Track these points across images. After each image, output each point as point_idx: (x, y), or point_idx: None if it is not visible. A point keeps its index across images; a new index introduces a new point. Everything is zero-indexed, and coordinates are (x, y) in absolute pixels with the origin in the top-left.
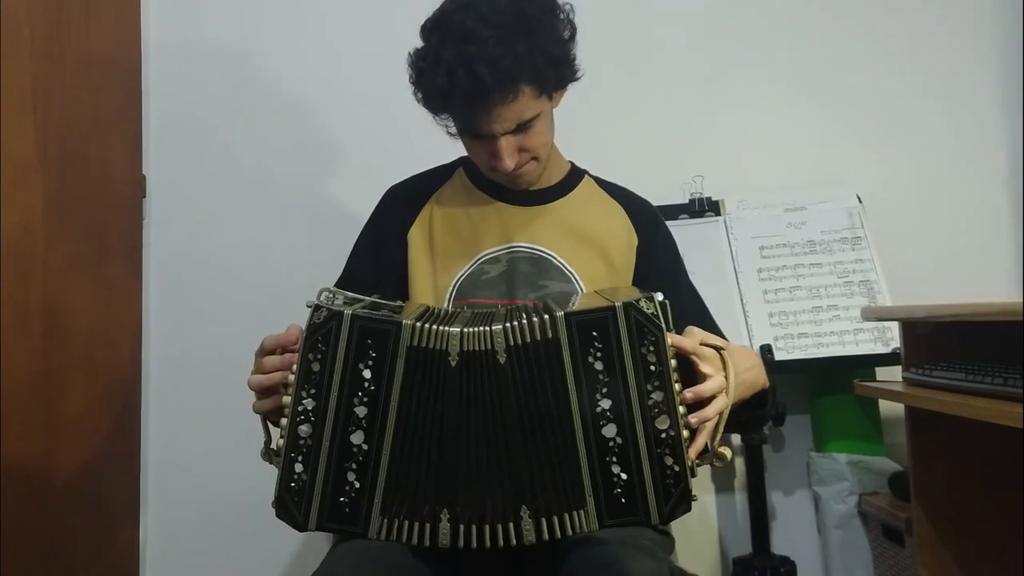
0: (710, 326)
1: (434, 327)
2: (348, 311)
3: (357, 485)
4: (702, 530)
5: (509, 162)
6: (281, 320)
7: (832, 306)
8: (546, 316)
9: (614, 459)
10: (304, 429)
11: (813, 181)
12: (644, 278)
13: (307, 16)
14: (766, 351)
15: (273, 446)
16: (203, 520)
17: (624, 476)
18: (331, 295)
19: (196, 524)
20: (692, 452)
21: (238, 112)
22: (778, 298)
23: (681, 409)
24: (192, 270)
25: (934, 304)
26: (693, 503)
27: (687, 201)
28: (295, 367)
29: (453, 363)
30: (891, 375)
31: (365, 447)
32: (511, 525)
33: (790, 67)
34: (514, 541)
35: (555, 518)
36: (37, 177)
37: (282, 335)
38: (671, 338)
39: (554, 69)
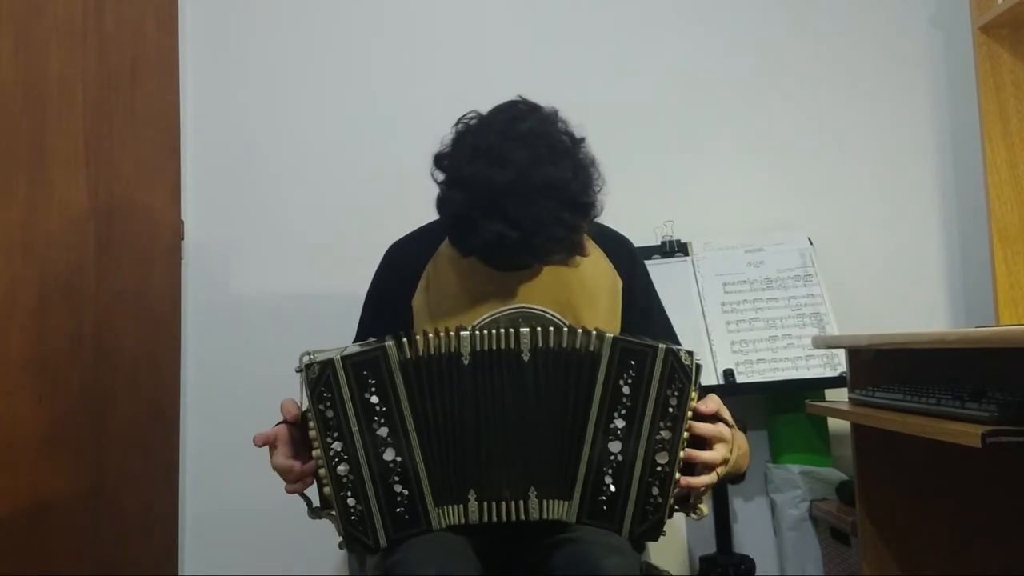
0: None
1: (439, 336)
2: (336, 356)
3: (406, 492)
4: (672, 532)
5: None
6: (301, 344)
7: (787, 335)
8: (593, 332)
9: (609, 471)
10: (342, 468)
11: (770, 226)
12: (627, 312)
13: (331, 73)
14: (728, 375)
15: (316, 504)
16: (237, 527)
17: (612, 488)
18: (312, 354)
19: (230, 532)
20: (691, 480)
21: (266, 166)
22: (739, 328)
23: (681, 454)
24: (224, 303)
25: (875, 334)
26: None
27: (659, 243)
28: (311, 423)
29: (466, 362)
30: (838, 396)
31: (399, 459)
32: (522, 503)
33: (751, 127)
34: (524, 516)
35: (548, 502)
36: (89, 222)
37: (285, 416)
38: (700, 405)
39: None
